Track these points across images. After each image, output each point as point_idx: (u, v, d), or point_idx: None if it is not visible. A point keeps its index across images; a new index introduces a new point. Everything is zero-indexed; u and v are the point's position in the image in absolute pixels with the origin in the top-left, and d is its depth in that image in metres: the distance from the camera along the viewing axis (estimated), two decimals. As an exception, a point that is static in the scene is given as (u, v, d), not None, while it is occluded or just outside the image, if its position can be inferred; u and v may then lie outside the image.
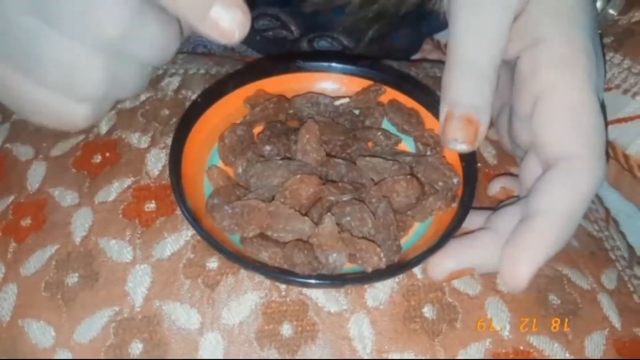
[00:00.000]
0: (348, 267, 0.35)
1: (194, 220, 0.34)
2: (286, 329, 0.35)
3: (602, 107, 0.37)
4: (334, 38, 0.58)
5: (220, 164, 0.39)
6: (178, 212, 0.38)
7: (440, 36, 0.60)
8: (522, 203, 0.36)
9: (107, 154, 0.41)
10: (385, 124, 0.42)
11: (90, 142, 0.42)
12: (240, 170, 0.38)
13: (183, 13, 0.33)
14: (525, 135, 0.38)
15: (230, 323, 0.35)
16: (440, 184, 0.38)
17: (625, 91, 0.44)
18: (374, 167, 0.38)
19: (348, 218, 0.35)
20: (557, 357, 0.35)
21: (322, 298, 0.35)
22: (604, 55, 0.45)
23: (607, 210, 0.45)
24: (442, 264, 0.35)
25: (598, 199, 0.46)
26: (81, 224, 0.38)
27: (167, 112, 0.43)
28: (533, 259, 0.34)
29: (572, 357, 0.35)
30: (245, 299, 0.35)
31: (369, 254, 0.34)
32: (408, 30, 0.58)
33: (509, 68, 0.40)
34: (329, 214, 0.35)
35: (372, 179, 0.38)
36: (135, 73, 0.38)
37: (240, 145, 0.39)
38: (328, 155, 0.39)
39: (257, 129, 0.41)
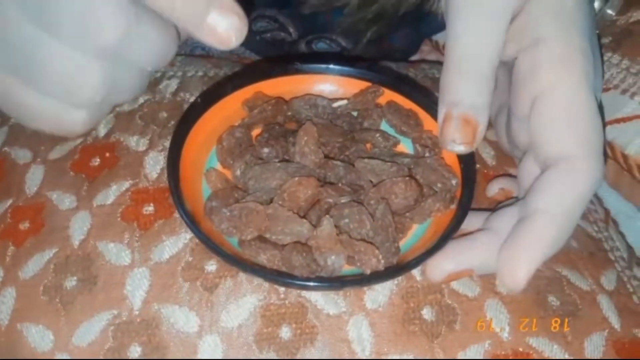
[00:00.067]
0: (347, 269, 0.34)
1: (193, 223, 0.34)
2: (285, 332, 0.35)
3: (600, 107, 0.37)
4: (333, 39, 0.58)
5: (219, 166, 0.39)
6: (176, 215, 0.38)
7: (438, 37, 0.60)
8: (520, 204, 0.36)
9: (106, 156, 0.41)
10: (384, 126, 0.42)
11: (89, 145, 0.42)
12: (238, 172, 0.38)
13: (180, 19, 0.33)
14: (524, 135, 0.38)
15: (229, 326, 0.35)
16: (439, 185, 0.38)
17: (624, 91, 0.44)
18: (372, 169, 0.38)
19: (346, 220, 0.35)
20: (557, 358, 0.35)
21: (321, 300, 0.35)
22: (602, 55, 0.45)
23: (607, 211, 0.45)
24: (441, 265, 0.35)
25: (597, 199, 0.46)
26: (79, 227, 0.38)
27: (165, 114, 0.43)
28: (531, 259, 0.34)
29: (572, 358, 0.35)
30: (244, 301, 0.35)
31: (368, 256, 0.34)
32: (407, 31, 0.58)
33: (507, 69, 0.40)
34: (327, 216, 0.35)
35: (371, 181, 0.38)
36: (133, 78, 0.39)
37: (239, 148, 0.39)
38: (326, 157, 0.39)
39: (256, 131, 0.41)
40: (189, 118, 0.39)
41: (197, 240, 0.36)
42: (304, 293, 0.35)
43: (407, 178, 0.37)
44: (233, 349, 0.34)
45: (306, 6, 0.54)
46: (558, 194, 0.35)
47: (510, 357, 0.35)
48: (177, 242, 0.37)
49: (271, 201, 0.36)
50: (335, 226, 0.35)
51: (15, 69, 0.36)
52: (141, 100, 0.44)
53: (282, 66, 0.43)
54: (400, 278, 0.36)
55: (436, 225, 0.37)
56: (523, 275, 0.34)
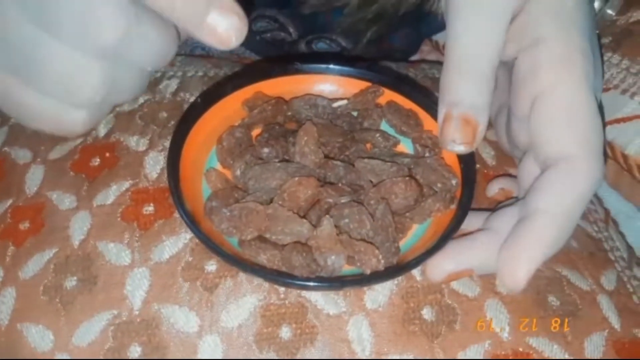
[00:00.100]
0: (347, 269, 0.34)
1: (193, 223, 0.34)
2: (285, 332, 0.35)
3: (600, 107, 0.37)
4: (333, 39, 0.58)
5: (219, 166, 0.39)
6: (176, 215, 0.38)
7: (438, 37, 0.60)
8: (520, 204, 0.36)
9: (106, 156, 0.41)
10: (384, 126, 0.42)
11: (89, 145, 0.42)
12: (238, 172, 0.38)
13: (180, 19, 0.33)
14: (524, 135, 0.38)
15: (229, 326, 0.35)
16: (439, 185, 0.38)
17: (624, 91, 0.44)
18: (372, 169, 0.38)
19: (346, 220, 0.35)
20: (557, 358, 0.35)
21: (321, 300, 0.35)
22: (602, 55, 0.45)
23: (607, 211, 0.45)
24: (441, 265, 0.35)
25: (597, 199, 0.46)
26: (79, 227, 0.38)
27: (165, 114, 0.43)
28: (531, 259, 0.34)
29: (572, 358, 0.35)
30: (244, 301, 0.35)
31: (368, 256, 0.34)
32: (407, 31, 0.58)
33: (507, 69, 0.40)
34: (327, 216, 0.35)
35: (371, 181, 0.38)
36: (133, 78, 0.39)
37: (239, 148, 0.39)
38: (326, 157, 0.39)
39: (256, 131, 0.41)
40: (189, 118, 0.39)
41: (197, 240, 0.36)
42: (304, 293, 0.35)
43: (407, 178, 0.37)
44: (233, 349, 0.34)
45: (306, 6, 0.54)
46: (558, 194, 0.34)
47: (510, 357, 0.35)
48: (177, 242, 0.37)
49: (271, 201, 0.36)
50: (335, 226, 0.35)
51: (15, 69, 0.36)
52: (141, 100, 0.44)
53: (282, 66, 0.43)
54: (400, 278, 0.36)
55: (436, 225, 0.37)
56: (523, 275, 0.34)
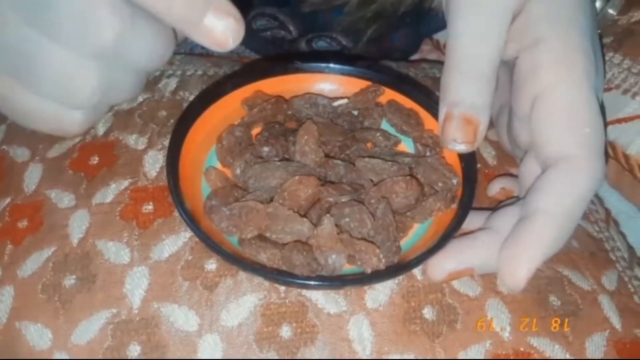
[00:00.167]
0: (347, 268, 0.34)
1: (192, 221, 0.34)
2: (285, 331, 0.34)
3: (601, 107, 0.36)
4: (333, 38, 0.58)
5: (218, 165, 0.39)
6: (176, 213, 0.37)
7: (439, 36, 0.60)
8: (521, 203, 0.36)
9: (105, 155, 0.41)
10: (384, 125, 0.42)
11: (87, 143, 0.41)
12: (238, 171, 0.38)
13: (176, 22, 0.33)
14: (525, 135, 0.38)
15: (229, 325, 0.34)
16: (440, 184, 0.38)
17: (625, 91, 0.44)
18: (373, 168, 0.37)
19: (347, 219, 0.35)
20: (558, 358, 0.35)
21: (322, 299, 0.35)
22: (603, 55, 0.45)
23: (608, 211, 0.45)
24: (442, 264, 0.35)
25: (598, 199, 0.46)
26: (78, 225, 0.37)
27: (164, 113, 0.43)
28: (531, 258, 0.34)
29: (573, 359, 0.35)
30: (244, 300, 0.35)
31: (368, 255, 0.33)
32: (407, 31, 0.58)
33: (507, 68, 0.40)
34: (327, 215, 0.35)
35: (371, 180, 0.37)
36: (130, 79, 0.39)
37: (238, 147, 0.39)
38: (327, 156, 0.39)
39: (255, 130, 0.41)
40: (188, 117, 0.39)
41: (196, 239, 0.36)
42: (305, 292, 0.35)
43: (408, 177, 0.36)
44: (233, 348, 0.34)
45: (306, 4, 0.54)
46: (558, 194, 0.34)
47: (511, 357, 0.35)
48: (176, 240, 0.37)
49: (271, 200, 0.36)
50: (336, 225, 0.35)
51: (12, 70, 0.36)
52: (140, 99, 0.44)
53: (282, 65, 0.43)
54: (401, 277, 0.36)
55: (437, 225, 0.37)
56: (523, 275, 0.34)
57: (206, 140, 0.40)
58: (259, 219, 0.34)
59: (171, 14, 0.33)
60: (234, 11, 0.33)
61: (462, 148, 0.37)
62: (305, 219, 0.35)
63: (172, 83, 0.45)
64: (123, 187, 0.39)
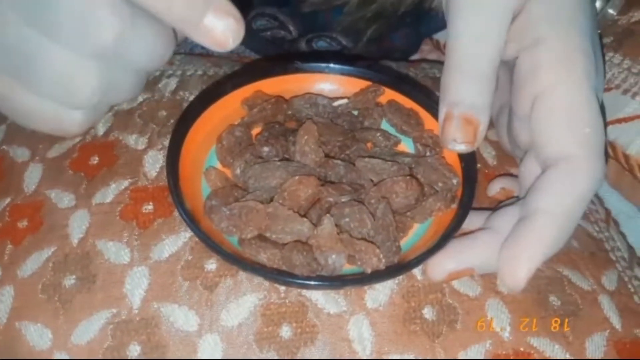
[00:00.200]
0: (347, 268, 0.34)
1: (192, 221, 0.34)
2: (285, 331, 0.34)
3: (601, 107, 0.36)
4: (333, 38, 0.58)
5: (218, 165, 0.39)
6: (176, 213, 0.37)
7: (439, 36, 0.60)
8: (521, 203, 0.36)
9: (105, 155, 0.41)
10: (384, 125, 0.42)
11: (87, 143, 0.41)
12: (238, 171, 0.38)
13: (176, 22, 0.33)
14: (525, 135, 0.38)
15: (229, 325, 0.34)
16: (440, 184, 0.38)
17: (625, 91, 0.44)
18: (373, 168, 0.37)
19: (347, 219, 0.35)
20: (558, 358, 0.35)
21: (322, 299, 0.35)
22: (603, 55, 0.45)
23: (608, 211, 0.45)
24: (442, 264, 0.35)
25: (598, 199, 0.46)
26: (78, 225, 0.37)
27: (164, 113, 0.43)
28: (531, 258, 0.34)
29: (573, 358, 0.35)
30: (244, 300, 0.35)
31: (368, 255, 0.33)
32: (407, 31, 0.58)
33: (508, 68, 0.40)
34: (327, 215, 0.35)
35: (371, 180, 0.37)
36: (130, 79, 0.39)
37: (238, 147, 0.39)
38: (327, 156, 0.39)
39: (255, 130, 0.41)
40: (188, 117, 0.39)
41: (196, 239, 0.36)
42: (305, 292, 0.35)
43: (408, 177, 0.36)
44: (233, 348, 0.34)
45: (306, 4, 0.54)
46: (558, 194, 0.34)
47: (512, 357, 0.35)
48: (176, 240, 0.37)
49: (271, 200, 0.35)
50: (336, 225, 0.35)
51: (12, 70, 0.36)
52: (140, 99, 0.44)
53: (282, 65, 0.43)
54: (401, 277, 0.36)
55: (437, 225, 0.37)
56: (523, 275, 0.34)
57: (206, 140, 0.40)
58: (259, 219, 0.34)
59: (171, 14, 0.33)
60: (234, 11, 0.33)
61: (462, 148, 0.37)
62: (305, 219, 0.35)
63: (172, 83, 0.45)
64: (123, 187, 0.39)
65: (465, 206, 0.36)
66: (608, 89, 0.45)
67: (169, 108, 0.43)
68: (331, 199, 0.36)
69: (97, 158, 0.41)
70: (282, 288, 0.35)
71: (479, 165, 0.41)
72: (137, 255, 0.36)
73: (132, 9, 0.33)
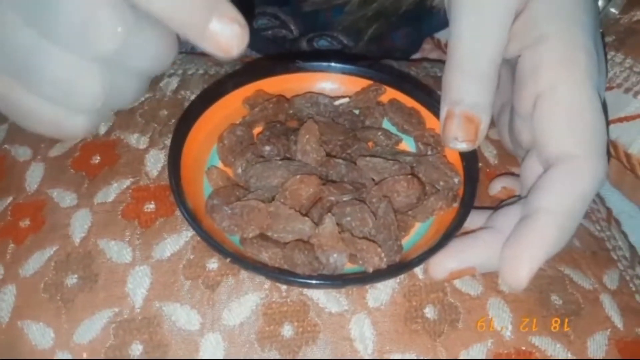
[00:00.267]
0: (349, 267, 0.34)
1: (194, 221, 0.34)
2: (287, 330, 0.34)
3: (604, 106, 0.36)
4: (334, 37, 0.58)
5: (220, 164, 0.39)
6: (177, 212, 0.37)
7: (440, 35, 0.60)
8: (523, 202, 0.36)
9: (107, 154, 0.41)
10: (386, 124, 0.42)
11: (89, 142, 0.41)
12: (239, 170, 0.38)
13: (180, 28, 0.33)
14: (526, 134, 0.38)
15: (230, 324, 0.34)
16: (441, 183, 0.38)
17: (627, 90, 0.44)
18: (374, 167, 0.37)
19: (348, 218, 0.35)
20: (559, 358, 0.35)
21: (323, 298, 0.35)
22: (605, 54, 0.45)
23: (609, 210, 0.45)
24: (443, 263, 0.35)
25: (600, 198, 0.46)
26: (80, 225, 0.37)
27: (165, 112, 0.43)
28: (533, 257, 0.34)
29: (574, 358, 0.35)
30: (246, 299, 0.35)
31: (370, 254, 0.33)
32: (408, 30, 0.58)
33: (509, 67, 0.40)
34: (329, 214, 0.35)
35: (373, 179, 0.37)
36: (133, 83, 0.38)
37: (240, 146, 0.39)
38: (328, 155, 0.39)
39: (257, 130, 0.41)
40: (189, 116, 0.39)
41: (198, 238, 0.36)
42: (306, 291, 0.35)
43: (410, 176, 0.36)
44: (235, 347, 0.34)
45: (307, 3, 0.54)
46: (560, 193, 0.34)
47: (513, 356, 0.35)
48: (178, 240, 0.37)
49: (273, 199, 0.36)
50: (337, 224, 0.35)
51: (15, 72, 0.35)
52: (142, 98, 0.44)
53: (283, 64, 0.43)
54: (402, 276, 0.36)
55: (438, 224, 0.37)
56: (525, 274, 0.34)
57: (208, 140, 0.40)
58: (260, 218, 0.34)
59: (175, 20, 0.33)
60: (239, 17, 0.33)
61: (464, 146, 0.37)
62: (306, 218, 0.35)
63: (174, 82, 0.45)
64: (125, 186, 0.39)
65: (467, 205, 0.36)
66: (610, 88, 0.45)
67: (171, 107, 0.43)
68: (332, 198, 0.36)
69: (98, 157, 0.41)
70: (284, 287, 0.35)
71: (480, 164, 0.41)
72: (138, 255, 0.36)
73: (135, 13, 0.33)
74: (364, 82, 0.43)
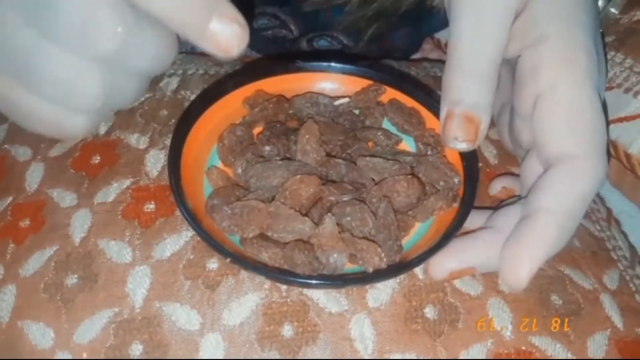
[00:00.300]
0: (349, 267, 0.34)
1: (194, 221, 0.34)
2: (287, 330, 0.34)
3: (604, 106, 0.36)
4: (334, 37, 0.58)
5: (220, 164, 0.39)
6: (177, 212, 0.37)
7: (440, 35, 0.60)
8: (523, 202, 0.36)
9: (107, 154, 0.41)
10: (386, 124, 0.42)
11: (89, 142, 0.41)
12: (239, 170, 0.38)
13: (180, 28, 0.33)
14: (526, 134, 0.38)
15: (230, 324, 0.34)
16: (441, 183, 0.38)
17: (627, 90, 0.44)
18: (374, 167, 0.37)
19: (348, 218, 0.35)
20: (559, 358, 0.35)
21: (323, 298, 0.35)
22: (605, 54, 0.45)
23: (609, 210, 0.45)
24: (444, 263, 0.35)
25: (599, 198, 0.46)
26: (80, 225, 0.37)
27: (165, 112, 0.43)
28: (533, 257, 0.34)
29: (574, 358, 0.35)
30: (246, 299, 0.35)
31: (370, 254, 0.33)
32: (408, 30, 0.58)
33: (509, 66, 0.40)
34: (329, 214, 0.35)
35: (373, 179, 0.37)
36: (133, 83, 0.38)
37: (240, 146, 0.39)
38: (328, 155, 0.39)
39: (257, 130, 0.41)
40: (189, 116, 0.39)
41: (198, 238, 0.36)
42: (306, 291, 0.35)
43: (410, 176, 0.36)
44: (235, 347, 0.34)
45: (307, 3, 0.54)
46: (560, 193, 0.34)
47: (513, 356, 0.35)
48: (178, 240, 0.37)
49: (273, 199, 0.36)
50: (337, 224, 0.35)
51: (15, 72, 0.35)
52: (142, 98, 0.44)
53: (283, 64, 0.43)
54: (402, 276, 0.36)
55: (438, 224, 0.37)
56: (525, 274, 0.34)
57: (207, 140, 0.40)
58: (260, 218, 0.34)
59: (175, 20, 0.33)
60: (239, 17, 0.33)
61: (464, 146, 0.37)
62: (306, 218, 0.35)
63: (174, 82, 0.45)
64: (125, 186, 0.39)
65: (467, 205, 0.36)
66: (610, 88, 0.45)
67: (171, 107, 0.43)
68: (332, 198, 0.36)
69: (98, 157, 0.41)
70: (284, 287, 0.35)
71: (480, 164, 0.41)
72: (138, 255, 0.36)
73: (135, 13, 0.33)
74: (364, 82, 0.43)
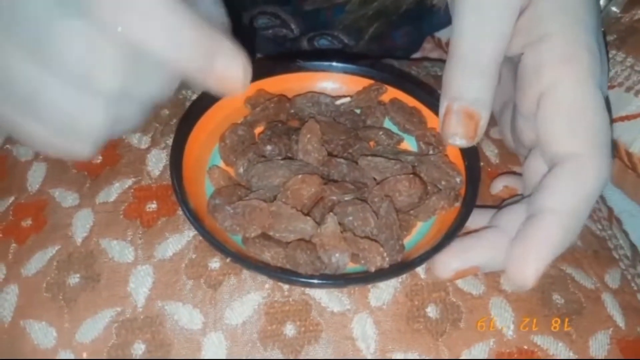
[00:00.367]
0: (351, 267, 0.34)
1: (196, 220, 0.34)
2: (289, 329, 0.34)
3: (607, 104, 0.36)
4: (334, 36, 0.58)
5: (222, 164, 0.39)
6: (179, 212, 0.37)
7: (441, 34, 0.60)
8: (527, 202, 0.36)
9: (108, 154, 0.41)
10: (387, 123, 0.42)
11: (91, 142, 0.41)
12: (241, 170, 0.38)
13: (185, 70, 0.33)
14: (529, 133, 0.38)
15: (233, 323, 0.34)
16: (443, 183, 0.38)
17: (628, 89, 0.44)
18: (375, 167, 0.37)
19: (350, 218, 0.35)
20: (561, 357, 0.35)
21: (325, 298, 0.35)
22: (607, 53, 0.45)
23: (610, 209, 0.45)
24: (448, 262, 0.35)
25: (601, 197, 0.46)
26: (82, 224, 0.38)
27: (167, 112, 0.43)
28: (541, 257, 0.34)
29: (576, 357, 0.35)
30: (248, 299, 0.35)
31: (372, 254, 0.33)
32: (408, 29, 0.58)
33: (511, 65, 0.40)
34: (331, 213, 0.35)
35: (374, 179, 0.37)
36: (136, 112, 0.38)
37: (241, 146, 0.39)
38: (329, 154, 0.39)
39: (258, 129, 0.41)
40: (191, 115, 0.39)
41: (200, 238, 0.36)
42: (308, 290, 0.35)
43: (411, 176, 0.36)
44: (237, 346, 0.34)
45: (308, 3, 0.54)
46: (565, 193, 0.34)
47: (515, 356, 0.35)
48: (180, 239, 0.37)
49: (274, 199, 0.36)
50: (339, 224, 0.35)
51: (15, 101, 0.35)
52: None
53: (284, 63, 0.43)
54: (404, 276, 0.36)
55: (440, 223, 0.37)
56: (532, 274, 0.33)
57: (209, 139, 0.40)
58: (262, 218, 0.34)
59: (180, 63, 0.32)
60: (242, 56, 0.33)
61: (463, 143, 0.37)
62: (308, 218, 0.35)
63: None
64: (127, 186, 0.39)
65: (469, 204, 0.36)
66: (611, 87, 0.45)
67: (172, 107, 0.43)
68: (334, 198, 0.36)
69: (100, 157, 0.41)
70: (286, 286, 0.35)
71: (482, 164, 0.41)
72: (141, 254, 0.36)
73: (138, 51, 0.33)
74: (365, 82, 0.43)
